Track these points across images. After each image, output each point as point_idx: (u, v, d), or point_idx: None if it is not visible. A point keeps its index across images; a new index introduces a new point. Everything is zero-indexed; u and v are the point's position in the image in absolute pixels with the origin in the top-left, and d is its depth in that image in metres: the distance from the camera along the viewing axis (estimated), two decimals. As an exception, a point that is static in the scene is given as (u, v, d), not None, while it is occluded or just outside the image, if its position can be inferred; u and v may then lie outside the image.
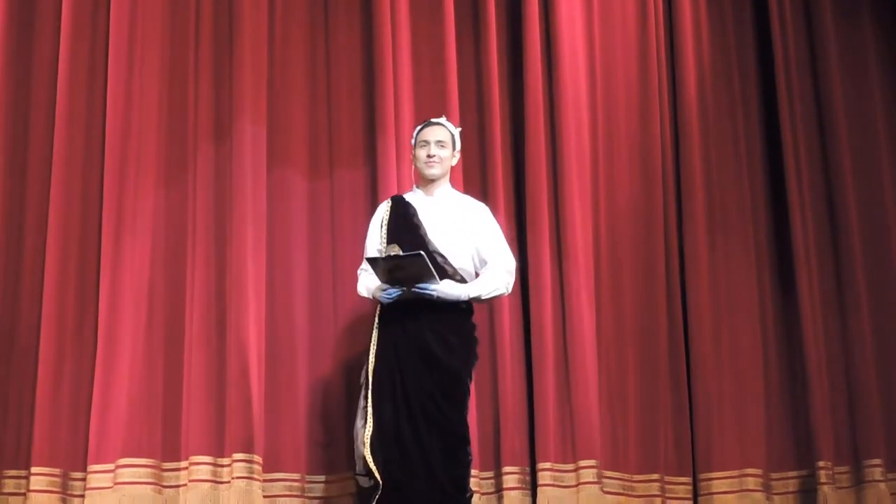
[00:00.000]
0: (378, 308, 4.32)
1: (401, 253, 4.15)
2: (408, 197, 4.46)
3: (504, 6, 5.67)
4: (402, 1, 5.43)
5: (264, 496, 4.89)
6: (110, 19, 5.13)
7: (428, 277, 4.13)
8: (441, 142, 4.40)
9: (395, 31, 5.38)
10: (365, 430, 4.17)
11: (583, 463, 5.19)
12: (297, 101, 5.35)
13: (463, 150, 5.31)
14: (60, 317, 4.89)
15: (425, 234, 4.30)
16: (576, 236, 5.39)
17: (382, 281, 4.20)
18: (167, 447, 4.87)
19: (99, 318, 4.89)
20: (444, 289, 4.19)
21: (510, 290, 4.48)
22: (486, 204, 5.31)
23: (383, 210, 4.45)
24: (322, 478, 5.07)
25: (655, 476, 5.34)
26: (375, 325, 4.30)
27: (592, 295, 5.40)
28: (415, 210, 4.35)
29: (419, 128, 4.50)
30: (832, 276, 5.78)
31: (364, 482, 4.27)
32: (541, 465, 5.16)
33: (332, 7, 5.52)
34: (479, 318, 5.16)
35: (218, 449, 4.83)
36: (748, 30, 6.05)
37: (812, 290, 5.65)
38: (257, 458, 4.84)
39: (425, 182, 4.46)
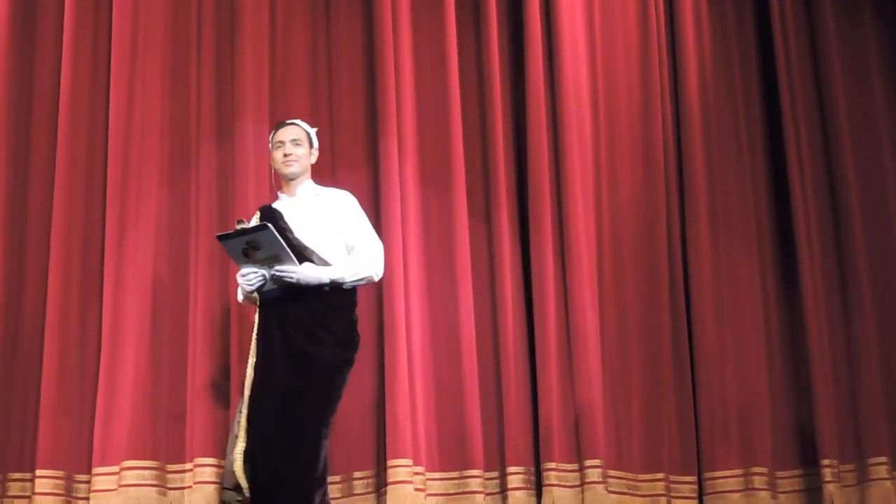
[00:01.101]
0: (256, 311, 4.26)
1: (247, 225, 4.07)
2: (276, 205, 4.38)
3: (505, 3, 5.66)
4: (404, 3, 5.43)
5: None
6: (112, 19, 5.16)
7: (284, 256, 4.04)
8: (296, 140, 4.36)
9: (396, 29, 5.38)
10: (238, 443, 4.08)
11: (587, 463, 5.17)
12: (298, 100, 5.35)
13: (466, 148, 5.36)
14: (64, 319, 4.90)
15: (291, 233, 4.21)
16: (578, 234, 5.38)
17: (240, 265, 4.13)
18: (172, 449, 4.88)
19: (102, 320, 4.91)
20: (304, 271, 4.09)
21: (379, 275, 4.36)
22: (489, 201, 5.37)
23: (253, 221, 4.35)
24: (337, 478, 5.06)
25: (660, 475, 5.32)
26: (255, 328, 4.23)
27: (596, 293, 5.39)
28: (280, 214, 4.28)
29: (273, 131, 4.46)
30: (835, 272, 5.76)
31: (229, 497, 4.17)
32: (545, 465, 5.14)
33: (334, 5, 5.53)
34: (481, 316, 5.26)
35: (223, 451, 4.80)
36: (749, 25, 6.03)
37: (815, 286, 5.63)
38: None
39: (286, 183, 4.40)
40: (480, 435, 5.13)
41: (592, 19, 5.74)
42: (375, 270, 4.33)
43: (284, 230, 4.18)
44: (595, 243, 5.46)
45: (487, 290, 5.34)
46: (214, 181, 5.12)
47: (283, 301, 4.13)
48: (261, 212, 4.36)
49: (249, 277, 4.13)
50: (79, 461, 4.84)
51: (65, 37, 5.10)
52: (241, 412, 4.12)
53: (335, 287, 4.18)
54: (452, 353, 5.20)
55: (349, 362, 4.22)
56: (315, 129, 4.52)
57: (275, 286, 4.14)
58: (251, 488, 4.01)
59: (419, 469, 5.02)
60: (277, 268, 4.07)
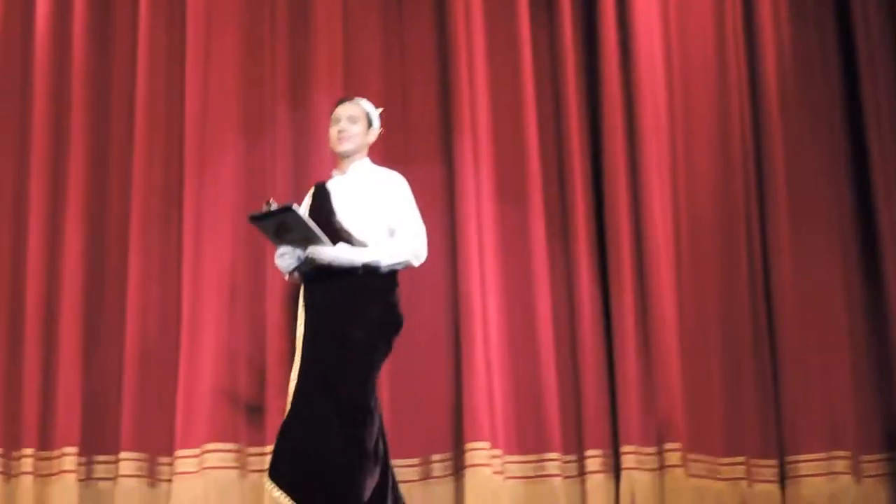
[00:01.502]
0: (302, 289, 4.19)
1: (273, 206, 3.98)
2: (329, 183, 4.30)
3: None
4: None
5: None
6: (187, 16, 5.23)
7: (313, 237, 3.97)
8: (352, 117, 4.25)
9: (468, 19, 5.35)
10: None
11: (667, 446, 5.12)
12: (372, 77, 5.37)
13: (540, 142, 5.32)
14: (145, 302, 4.99)
15: (334, 213, 4.14)
16: (655, 222, 5.31)
17: (276, 245, 4.10)
18: (252, 432, 4.92)
19: (182, 302, 4.97)
20: (336, 252, 4.01)
21: (420, 259, 4.21)
22: (565, 190, 5.32)
23: (306, 201, 4.31)
24: (405, 462, 5.07)
25: (741, 459, 5.26)
26: (300, 305, 4.17)
27: (674, 278, 5.32)
28: (329, 194, 4.21)
29: (334, 107, 4.36)
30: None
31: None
32: (624, 448, 5.11)
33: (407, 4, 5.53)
34: (558, 297, 5.23)
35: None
36: (829, 11, 5.87)
37: (897, 270, 5.52)
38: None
39: (340, 160, 4.29)
40: (558, 418, 5.11)
41: (667, 7, 5.64)
42: (416, 255, 4.19)
43: (329, 212, 4.14)
44: (672, 230, 5.38)
45: (564, 273, 5.30)
46: (290, 168, 5.14)
47: (319, 281, 4.08)
48: (314, 188, 4.32)
49: (285, 258, 4.12)
50: (161, 444, 4.91)
51: (141, 9, 5.19)
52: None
53: (370, 269, 4.08)
54: (529, 335, 5.18)
55: (387, 343, 4.13)
56: (380, 110, 4.41)
57: (310, 267, 4.08)
58: (298, 475, 3.92)
59: (497, 452, 5.01)
60: (310, 248, 4.01)
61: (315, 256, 4.01)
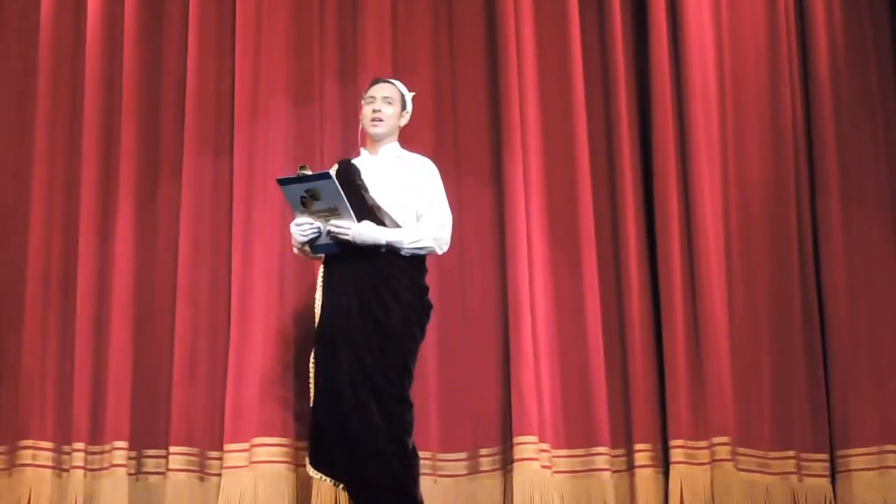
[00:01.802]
0: (321, 268, 4.12)
1: (309, 172, 3.91)
2: (356, 161, 4.25)
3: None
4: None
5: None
6: (236, 16, 5.24)
7: (343, 210, 3.89)
8: (388, 98, 4.19)
9: (518, 17, 5.31)
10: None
11: (716, 440, 5.08)
12: (421, 78, 5.31)
13: (590, 133, 5.27)
14: (194, 296, 5.00)
15: (366, 191, 4.08)
16: (705, 210, 5.25)
17: (298, 213, 3.97)
18: (301, 426, 4.91)
19: (232, 295, 4.97)
20: (361, 228, 3.93)
21: (443, 249, 4.18)
22: (614, 181, 5.28)
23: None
24: (453, 456, 5.07)
25: (791, 453, 5.20)
26: (319, 286, 4.10)
27: (723, 270, 5.26)
28: (358, 171, 4.14)
29: (369, 86, 4.29)
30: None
31: None
32: (673, 443, 5.06)
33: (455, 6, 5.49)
34: (606, 291, 5.20)
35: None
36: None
37: (953, 258, 5.43)
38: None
39: (371, 142, 4.23)
40: (606, 412, 5.08)
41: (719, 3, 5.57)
42: (439, 243, 4.15)
43: (360, 188, 4.08)
44: (722, 221, 5.32)
45: (612, 267, 5.26)
46: (338, 152, 5.10)
47: (342, 260, 4.00)
48: (339, 165, 4.25)
49: (304, 228, 3.98)
50: (211, 438, 4.93)
51: (190, 7, 5.19)
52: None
53: (392, 250, 4.02)
54: (577, 328, 5.15)
55: (422, 330, 4.09)
56: (412, 94, 4.38)
57: (328, 241, 3.99)
58: (337, 466, 3.93)
59: (545, 446, 5.00)
60: (333, 222, 3.93)
61: (338, 231, 3.94)
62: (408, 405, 4.02)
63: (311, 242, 4.03)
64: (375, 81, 4.30)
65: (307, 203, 3.91)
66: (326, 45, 5.25)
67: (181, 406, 4.88)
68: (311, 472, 4.07)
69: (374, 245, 3.98)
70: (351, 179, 4.09)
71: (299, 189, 3.89)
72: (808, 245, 5.40)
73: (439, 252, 4.20)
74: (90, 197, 5.03)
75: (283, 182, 3.92)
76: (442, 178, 5.17)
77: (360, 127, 4.29)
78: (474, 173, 5.29)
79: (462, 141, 5.33)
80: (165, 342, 4.99)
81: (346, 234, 3.94)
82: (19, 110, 5.22)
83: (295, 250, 4.22)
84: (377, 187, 4.11)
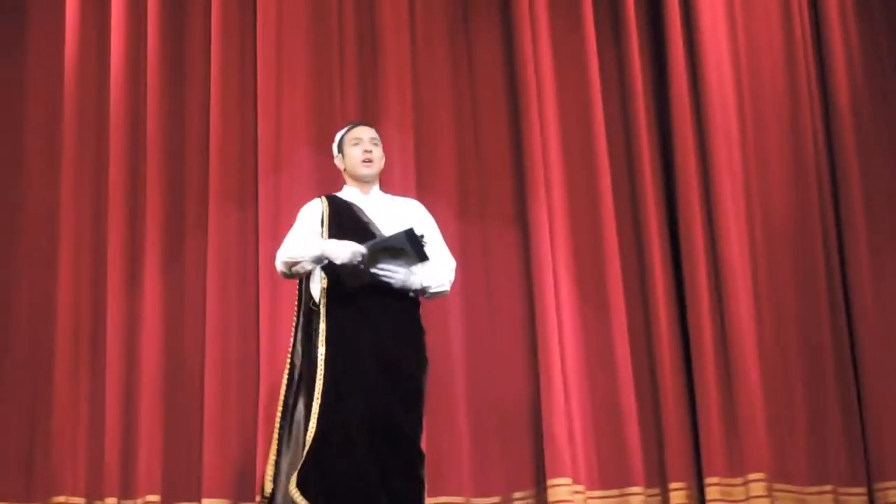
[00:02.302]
0: (325, 301, 3.91)
1: (416, 232, 3.82)
2: (345, 198, 4.14)
3: (644, 11, 5.57)
4: (542, 14, 5.38)
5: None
6: (257, 51, 5.27)
7: (407, 261, 3.83)
8: (374, 139, 4.16)
9: (535, 35, 5.35)
10: (306, 434, 3.76)
11: (751, 476, 5.02)
12: (442, 122, 5.38)
13: (612, 168, 5.29)
14: (223, 348, 5.00)
15: (377, 231, 3.99)
16: (731, 243, 5.24)
17: (367, 248, 3.81)
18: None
19: (260, 348, 4.97)
20: (409, 275, 3.88)
21: (449, 289, 4.15)
22: (637, 211, 5.28)
23: (319, 207, 4.09)
24: (487, 500, 5.04)
25: (828, 487, 5.14)
26: (322, 315, 3.90)
27: (751, 301, 5.24)
28: (359, 208, 4.06)
29: (347, 128, 4.23)
30: None
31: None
32: (708, 480, 5.01)
33: (473, 25, 5.52)
34: (635, 329, 5.19)
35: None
36: (896, 10, 5.81)
37: None
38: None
39: (360, 182, 4.15)
40: (640, 451, 5.04)
41: (734, 19, 5.58)
42: (450, 285, 4.13)
43: (367, 224, 4.00)
44: (748, 252, 5.31)
45: (640, 303, 5.25)
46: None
47: (370, 298, 3.88)
48: (328, 199, 4.11)
49: (357, 256, 3.82)
50: (242, 489, 4.89)
51: (213, 39, 5.22)
52: (309, 402, 3.82)
53: (417, 293, 4.00)
54: (607, 368, 5.13)
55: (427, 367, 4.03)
56: None
57: (360, 276, 3.84)
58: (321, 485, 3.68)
59: (579, 488, 4.96)
60: (383, 265, 3.84)
61: (385, 272, 3.83)
62: (423, 463, 3.94)
63: (343, 270, 3.86)
64: (356, 124, 4.28)
65: (385, 252, 3.85)
66: (347, 94, 5.29)
67: (213, 458, 4.87)
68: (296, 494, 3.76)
69: (406, 288, 3.94)
70: (351, 214, 4.05)
71: (402, 244, 3.83)
72: (836, 275, 5.38)
73: (446, 294, 4.18)
74: (117, 251, 5.06)
75: (408, 234, 3.83)
76: (466, 219, 5.21)
77: (342, 168, 4.20)
78: (498, 215, 5.30)
79: (485, 182, 5.35)
80: (195, 394, 4.99)
81: (393, 277, 3.86)
82: (45, 168, 5.27)
83: (287, 260, 3.98)
84: (382, 227, 4.05)
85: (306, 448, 3.75)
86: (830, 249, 5.40)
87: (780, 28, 5.62)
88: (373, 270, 3.84)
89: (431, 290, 4.03)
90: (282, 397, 3.99)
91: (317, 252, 3.90)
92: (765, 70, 5.57)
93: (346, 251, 3.83)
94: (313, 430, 3.75)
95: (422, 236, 3.87)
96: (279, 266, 4.03)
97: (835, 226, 5.44)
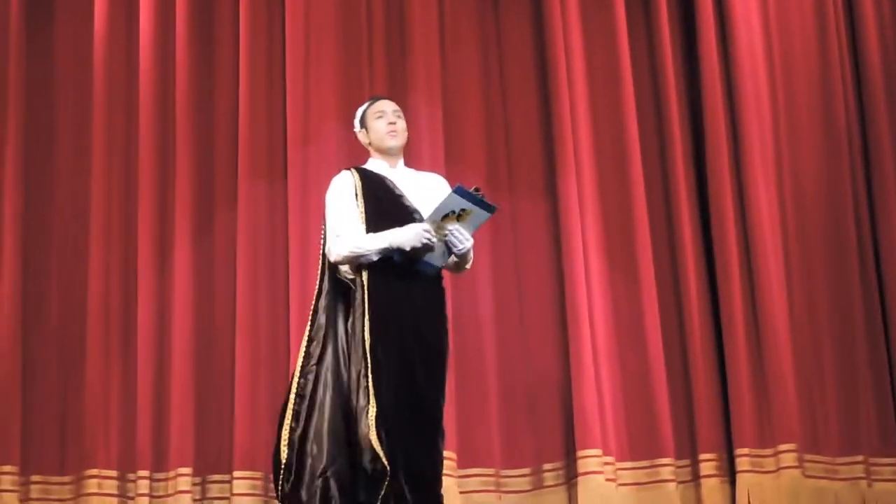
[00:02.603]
0: (368, 274, 3.78)
1: (482, 195, 3.74)
2: (373, 170, 4.02)
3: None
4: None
5: (460, 492, 4.92)
6: (286, 27, 5.25)
7: (469, 220, 3.74)
8: (397, 111, 4.06)
9: (564, 6, 5.33)
10: (368, 410, 3.66)
11: (782, 447, 5.03)
12: (471, 96, 5.37)
13: (642, 142, 5.27)
14: (253, 322, 5.02)
15: (410, 203, 3.88)
16: (761, 213, 5.23)
17: (430, 221, 3.73)
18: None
19: (290, 321, 4.98)
20: (471, 242, 3.79)
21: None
22: (669, 189, 5.28)
23: (350, 180, 3.96)
24: (516, 472, 5.04)
25: (859, 458, 5.14)
26: (366, 289, 3.77)
27: (782, 274, 5.23)
28: (390, 180, 3.94)
29: (368, 103, 4.13)
30: None
31: None
32: (738, 451, 5.03)
33: (503, 9, 5.51)
34: (665, 301, 5.22)
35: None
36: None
37: None
38: (451, 454, 4.82)
39: (387, 155, 4.02)
40: (670, 422, 5.05)
41: (766, 5, 5.53)
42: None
43: (400, 197, 3.90)
44: (779, 225, 5.30)
45: (670, 275, 5.25)
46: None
47: (413, 276, 3.81)
48: (358, 171, 3.99)
49: (428, 236, 3.74)
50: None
51: (241, 32, 5.21)
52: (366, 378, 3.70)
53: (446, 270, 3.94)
54: (637, 340, 5.13)
55: None
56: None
57: (431, 260, 3.79)
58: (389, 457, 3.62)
59: (609, 459, 4.97)
60: (457, 227, 3.74)
61: (459, 239, 3.76)
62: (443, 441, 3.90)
63: (416, 254, 3.78)
64: (377, 98, 4.20)
65: (448, 218, 3.76)
66: (375, 68, 5.28)
67: (244, 431, 4.89)
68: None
69: (461, 254, 3.85)
70: (385, 187, 3.95)
71: (460, 204, 3.74)
72: (867, 245, 5.37)
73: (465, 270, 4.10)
74: (147, 228, 5.07)
75: (458, 192, 3.76)
76: (495, 192, 5.18)
77: (367, 143, 4.09)
78: (527, 187, 5.29)
79: (514, 155, 5.35)
80: (226, 368, 5.01)
81: (463, 242, 3.78)
82: (76, 145, 5.27)
83: (351, 254, 3.81)
84: (412, 199, 3.95)
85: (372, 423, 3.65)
86: (861, 219, 5.39)
87: (812, 14, 5.57)
88: (439, 240, 3.76)
89: (468, 265, 3.94)
90: (300, 368, 3.86)
91: (383, 245, 3.79)
92: (796, 42, 5.54)
93: (414, 237, 3.76)
94: (374, 407, 3.67)
95: (476, 189, 3.79)
96: (339, 256, 3.86)
97: (866, 196, 5.43)
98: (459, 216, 3.75)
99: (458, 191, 3.74)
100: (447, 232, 3.75)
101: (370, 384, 3.68)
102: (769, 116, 5.39)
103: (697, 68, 5.40)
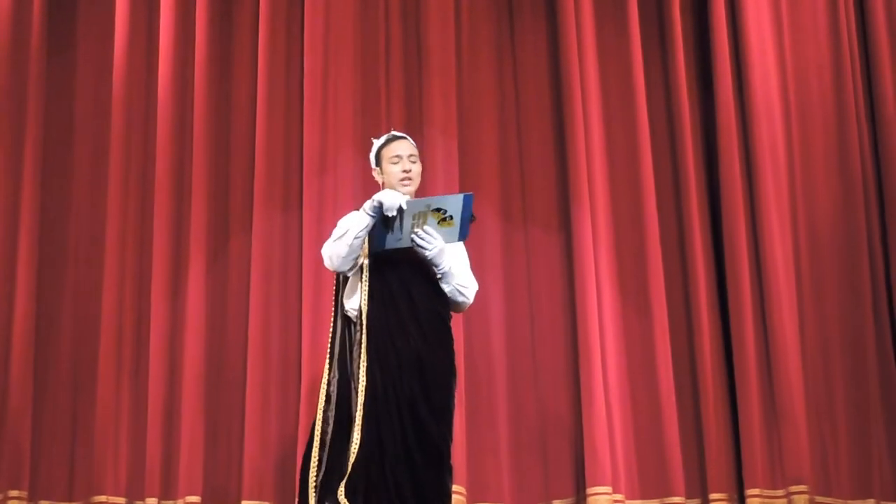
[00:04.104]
0: (364, 307, 3.85)
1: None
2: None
3: (690, 21, 5.55)
4: (588, 22, 5.37)
5: (469, 526, 4.89)
6: (304, 55, 5.26)
7: (446, 233, 3.80)
8: (413, 156, 4.11)
9: (580, 42, 5.34)
10: (350, 448, 3.73)
11: (793, 488, 5.01)
12: (487, 127, 5.37)
13: (656, 177, 5.28)
14: (265, 351, 5.01)
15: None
16: (775, 251, 5.22)
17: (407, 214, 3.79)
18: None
19: (302, 351, 4.97)
20: (443, 248, 3.85)
21: (464, 308, 4.09)
22: (682, 222, 5.29)
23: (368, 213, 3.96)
24: (525, 507, 5.04)
25: (871, 501, 5.10)
26: (364, 325, 3.83)
27: (795, 311, 5.21)
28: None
29: (384, 141, 4.17)
30: None
31: None
32: (749, 492, 5.00)
33: (519, 30, 5.51)
34: (677, 339, 5.20)
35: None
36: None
37: None
38: (460, 488, 4.81)
39: None
40: (680, 460, 5.02)
41: (781, 31, 5.54)
42: (471, 299, 4.06)
43: None
44: (792, 259, 5.28)
45: (682, 311, 5.24)
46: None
47: (413, 291, 3.87)
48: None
49: (396, 201, 3.82)
50: (283, 492, 4.90)
51: (259, 62, 5.22)
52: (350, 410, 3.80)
53: (440, 288, 3.94)
54: (649, 376, 5.11)
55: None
56: None
57: (403, 231, 3.82)
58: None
59: (619, 497, 4.94)
60: (425, 228, 3.82)
61: (423, 240, 3.83)
62: (451, 474, 3.88)
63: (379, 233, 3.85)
64: (394, 137, 4.22)
65: (437, 214, 3.82)
66: (392, 98, 5.29)
67: (253, 460, 4.87)
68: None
69: (437, 268, 3.90)
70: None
71: (456, 210, 3.80)
72: (880, 282, 5.35)
73: (463, 309, 4.12)
74: (161, 253, 5.07)
75: (468, 199, 3.82)
76: (509, 224, 5.18)
77: (381, 182, 4.14)
78: (541, 220, 5.29)
79: (529, 187, 5.35)
80: (237, 397, 5.00)
81: (430, 244, 3.84)
82: (92, 169, 5.29)
83: (334, 238, 3.91)
84: None
85: (351, 459, 3.72)
86: (875, 262, 5.36)
87: (826, 30, 5.57)
88: (413, 234, 3.82)
89: (455, 283, 3.95)
90: (321, 412, 3.91)
91: (360, 214, 3.88)
92: (812, 83, 5.54)
93: (392, 196, 3.84)
94: (357, 442, 3.73)
95: (473, 216, 3.86)
96: (329, 250, 3.94)
97: (880, 239, 5.40)
98: (444, 220, 3.81)
99: (468, 199, 3.82)
100: (425, 228, 3.82)
101: (358, 422, 3.73)
102: (784, 156, 5.39)
103: (713, 106, 5.41)
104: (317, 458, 3.83)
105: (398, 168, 4.08)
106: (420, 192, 4.44)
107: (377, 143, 4.19)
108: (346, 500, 3.69)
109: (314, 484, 3.80)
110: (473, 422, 5.02)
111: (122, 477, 4.96)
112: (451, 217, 3.84)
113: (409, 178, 4.08)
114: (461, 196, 3.84)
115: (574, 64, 5.27)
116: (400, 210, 3.81)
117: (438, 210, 3.84)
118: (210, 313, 5.07)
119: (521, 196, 5.33)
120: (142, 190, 5.21)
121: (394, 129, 5.09)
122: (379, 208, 3.83)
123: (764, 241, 5.23)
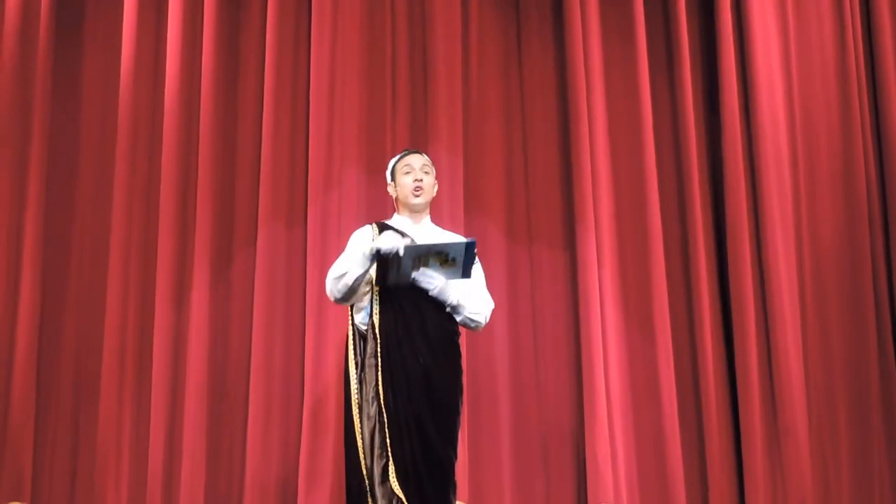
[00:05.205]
0: (375, 320, 3.92)
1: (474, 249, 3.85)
2: (396, 226, 4.11)
3: (698, 39, 5.58)
4: (595, 40, 5.39)
5: (470, 541, 4.89)
6: (310, 71, 5.27)
7: (450, 273, 3.85)
8: (425, 167, 4.16)
9: (587, 61, 5.35)
10: (390, 466, 3.79)
11: (796, 511, 5.01)
12: (492, 145, 5.38)
13: (661, 198, 5.29)
14: (268, 366, 4.99)
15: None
16: (779, 269, 5.23)
17: (408, 257, 3.83)
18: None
19: (305, 366, 4.96)
20: (446, 286, 3.92)
21: (483, 325, 4.11)
22: (687, 239, 5.28)
23: (370, 233, 4.07)
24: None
25: (875, 528, 5.12)
26: (377, 338, 3.90)
27: (799, 336, 5.21)
28: (410, 237, 4.01)
29: (399, 156, 4.23)
30: None
31: None
32: (751, 513, 5.00)
33: (526, 49, 5.53)
34: (680, 358, 5.19)
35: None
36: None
37: None
38: (462, 503, 4.82)
39: (410, 211, 4.15)
40: (683, 480, 5.01)
41: (788, 50, 5.54)
42: (486, 320, 4.09)
43: None
44: (797, 281, 5.28)
45: (686, 331, 5.24)
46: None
47: (422, 307, 3.93)
48: (379, 227, 4.10)
49: (395, 243, 3.86)
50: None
51: (266, 77, 5.22)
52: (382, 431, 3.84)
53: (449, 315, 4.00)
54: (652, 395, 5.11)
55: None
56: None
57: (401, 273, 3.86)
58: None
59: (622, 517, 4.94)
60: (424, 271, 3.88)
61: (424, 279, 3.89)
62: (454, 492, 3.93)
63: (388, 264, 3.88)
64: (408, 152, 4.27)
65: (439, 257, 3.85)
66: (398, 115, 5.30)
67: (255, 475, 4.87)
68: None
69: (443, 302, 3.95)
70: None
71: (459, 255, 3.84)
72: (884, 305, 5.35)
73: (480, 329, 4.14)
74: (165, 267, 5.06)
75: (470, 246, 3.85)
76: (514, 242, 5.19)
77: (394, 196, 4.21)
78: (546, 238, 5.30)
79: (534, 206, 5.36)
80: (240, 411, 5.01)
81: (432, 283, 3.91)
82: (97, 182, 5.28)
83: (335, 275, 3.97)
84: None
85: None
86: (879, 283, 5.36)
87: (832, 47, 5.58)
88: (415, 274, 3.87)
89: (466, 313, 3.99)
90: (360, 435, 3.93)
91: (358, 255, 3.90)
92: (817, 88, 5.55)
93: (391, 240, 3.87)
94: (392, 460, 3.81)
95: (475, 255, 3.89)
96: (329, 287, 4.00)
97: (884, 260, 5.40)
98: (446, 261, 3.84)
99: (471, 245, 3.84)
100: (425, 270, 3.86)
101: (387, 439, 3.78)
102: (789, 174, 5.39)
103: (719, 124, 5.42)
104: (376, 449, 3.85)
105: (410, 179, 4.13)
106: (434, 213, 4.50)
107: (393, 160, 4.25)
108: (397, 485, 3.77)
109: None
110: (476, 437, 5.02)
111: (123, 490, 4.95)
112: (454, 259, 3.85)
113: (421, 189, 4.12)
114: (463, 243, 3.85)
115: (581, 82, 5.28)
116: (398, 254, 3.83)
117: (440, 253, 3.85)
118: (213, 327, 5.07)
119: (525, 214, 5.34)
120: (146, 205, 5.20)
121: (399, 147, 5.15)
122: (376, 255, 3.86)
123: (768, 260, 5.24)
